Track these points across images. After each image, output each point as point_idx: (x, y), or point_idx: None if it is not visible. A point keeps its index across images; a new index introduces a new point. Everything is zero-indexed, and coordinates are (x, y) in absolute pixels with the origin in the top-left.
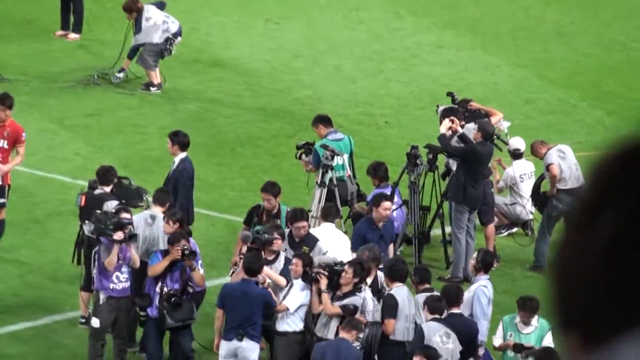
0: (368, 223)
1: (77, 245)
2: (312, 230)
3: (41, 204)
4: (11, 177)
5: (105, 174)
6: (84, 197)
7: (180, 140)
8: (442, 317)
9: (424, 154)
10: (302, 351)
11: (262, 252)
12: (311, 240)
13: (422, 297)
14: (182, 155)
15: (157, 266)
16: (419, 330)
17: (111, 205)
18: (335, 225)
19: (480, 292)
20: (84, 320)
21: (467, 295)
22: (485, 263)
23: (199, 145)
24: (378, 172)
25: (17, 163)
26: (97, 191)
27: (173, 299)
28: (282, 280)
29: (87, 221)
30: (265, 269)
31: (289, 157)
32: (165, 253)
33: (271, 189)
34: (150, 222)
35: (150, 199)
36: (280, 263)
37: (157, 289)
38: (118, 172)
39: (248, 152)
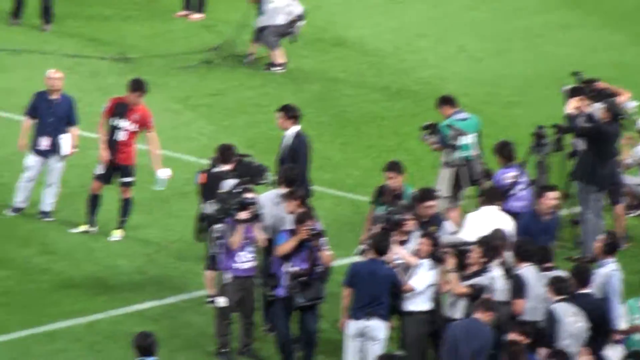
0: (531, 216)
1: (197, 223)
2: (474, 214)
3: (168, 182)
4: (136, 156)
5: (224, 152)
6: (203, 176)
7: (292, 114)
8: (570, 297)
9: (551, 134)
10: (431, 330)
11: (394, 233)
12: (438, 220)
13: (544, 276)
14: (296, 128)
15: (285, 246)
16: (551, 312)
17: (229, 183)
18: (498, 209)
19: (613, 276)
20: (210, 300)
21: (598, 279)
22: (612, 246)
23: (323, 124)
24: (504, 151)
25: (158, 150)
26: (215, 169)
27: (301, 278)
28: (414, 260)
29: (210, 201)
30: (398, 247)
31: (413, 137)
32: (291, 233)
33: (395, 167)
34: (277, 201)
35: (272, 177)
36: (412, 243)
37: (285, 269)
38: (242, 152)
39: (373, 131)
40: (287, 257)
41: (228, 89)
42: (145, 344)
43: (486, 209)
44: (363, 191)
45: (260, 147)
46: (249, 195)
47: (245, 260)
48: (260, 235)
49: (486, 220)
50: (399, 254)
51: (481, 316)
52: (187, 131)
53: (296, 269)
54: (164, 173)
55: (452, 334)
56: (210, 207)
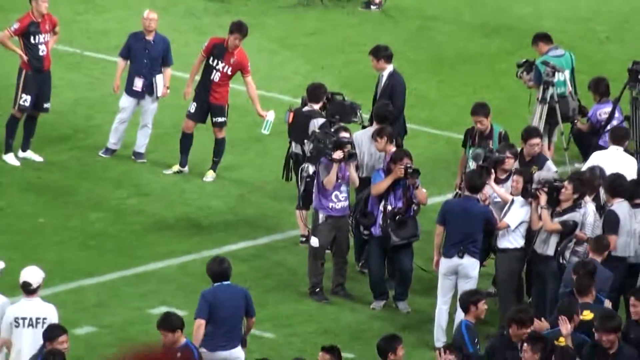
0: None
1: (286, 163)
2: (597, 154)
3: (261, 123)
4: (230, 96)
5: (314, 91)
6: (292, 114)
7: (383, 54)
8: None
9: None
10: (523, 267)
11: (494, 171)
12: (541, 159)
13: (638, 212)
14: (390, 68)
15: (381, 184)
16: None
17: (317, 122)
18: (623, 149)
19: None
20: (303, 239)
21: None
22: None
23: (420, 62)
24: (599, 87)
25: (255, 93)
26: (305, 108)
27: (397, 217)
28: (510, 198)
29: (299, 140)
30: (495, 185)
31: (509, 74)
32: (387, 171)
33: (481, 109)
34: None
35: (364, 115)
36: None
37: (381, 208)
38: (339, 91)
39: (469, 69)
40: (382, 196)
41: (325, 28)
42: (220, 270)
43: (612, 148)
44: (458, 129)
45: (356, 86)
46: (344, 134)
47: (339, 199)
48: (354, 175)
49: (609, 160)
50: (495, 191)
51: (598, 257)
52: (282, 71)
53: (391, 207)
54: (270, 115)
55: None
56: (297, 147)
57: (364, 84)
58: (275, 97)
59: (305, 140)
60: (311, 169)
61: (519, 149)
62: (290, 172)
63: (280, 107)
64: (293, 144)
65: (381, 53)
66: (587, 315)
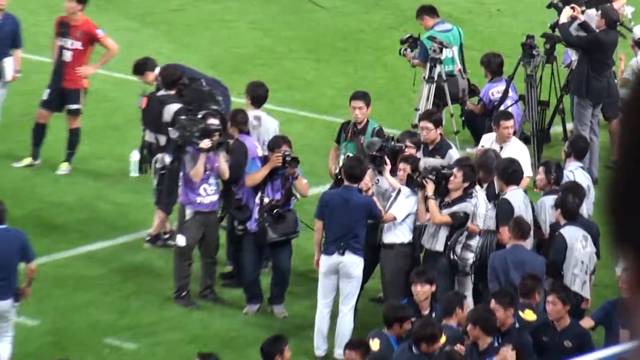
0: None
1: (140, 153)
2: (489, 136)
3: (121, 108)
4: (88, 80)
5: (167, 75)
6: (145, 99)
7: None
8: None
9: (541, 44)
10: (411, 264)
11: (393, 162)
12: (444, 147)
13: (549, 199)
14: None
15: (256, 174)
16: (559, 238)
17: (171, 109)
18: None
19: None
20: (152, 239)
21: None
22: (578, 149)
23: (296, 39)
24: (491, 64)
25: (110, 57)
26: (160, 92)
27: (275, 210)
28: (398, 185)
29: (171, 128)
30: (388, 176)
31: (392, 51)
32: (265, 160)
33: (362, 97)
34: (255, 124)
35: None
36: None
37: (257, 200)
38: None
39: (349, 46)
40: (258, 187)
41: (189, 4)
42: None
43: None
44: (339, 113)
45: (225, 67)
46: (212, 120)
47: (208, 193)
48: (224, 166)
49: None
50: (390, 184)
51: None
52: (144, 51)
53: (269, 199)
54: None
55: (500, 263)
56: (151, 135)
57: (232, 63)
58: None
59: (170, 129)
60: (167, 159)
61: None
62: (145, 163)
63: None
64: (147, 131)
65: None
66: (529, 315)
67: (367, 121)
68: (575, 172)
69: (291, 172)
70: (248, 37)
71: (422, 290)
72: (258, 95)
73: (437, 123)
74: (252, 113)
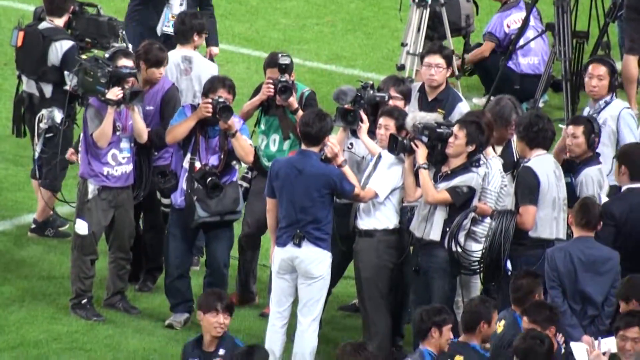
0: None
1: (16, 108)
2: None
3: None
4: None
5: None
6: (22, 34)
7: None
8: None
9: None
10: (397, 258)
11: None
12: (451, 96)
13: (593, 170)
14: None
15: (178, 127)
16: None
17: (62, 47)
18: None
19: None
20: (34, 227)
21: None
22: None
23: None
24: None
25: None
26: (43, 25)
27: (209, 179)
28: (377, 149)
29: (67, 72)
30: (364, 137)
31: None
32: (194, 108)
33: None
34: (184, 67)
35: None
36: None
37: (185, 164)
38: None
39: None
40: (187, 148)
41: None
42: None
43: None
44: (293, 49)
45: None
46: (124, 61)
47: (119, 162)
48: (140, 125)
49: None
50: (366, 146)
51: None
52: None
53: (201, 164)
54: None
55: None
56: (31, 84)
57: None
58: (12, 6)
59: (66, 73)
60: (57, 116)
61: (413, 85)
62: (23, 123)
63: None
64: (25, 79)
65: None
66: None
67: (292, 83)
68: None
69: (224, 127)
70: None
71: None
72: (188, 27)
73: (449, 60)
74: (179, 52)
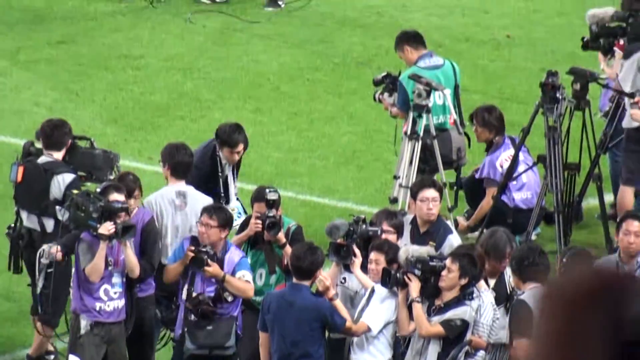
0: None
1: (13, 245)
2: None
3: None
4: None
5: (54, 133)
6: (21, 169)
7: None
8: None
9: (568, 85)
10: None
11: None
12: (442, 230)
13: None
14: None
15: (176, 269)
16: None
17: (63, 180)
18: None
19: None
20: (51, 358)
21: None
22: None
23: (226, 82)
24: (489, 120)
25: None
26: (42, 159)
27: (200, 308)
28: (370, 284)
29: (58, 208)
30: (357, 271)
31: (362, 96)
32: (193, 241)
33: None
34: (179, 202)
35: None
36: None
37: (183, 295)
38: (104, 129)
39: (299, 90)
40: (185, 277)
41: (79, 34)
42: None
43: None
44: (286, 184)
45: (130, 120)
46: (116, 196)
47: (111, 297)
48: (132, 259)
49: None
50: (360, 281)
51: None
52: (16, 102)
53: (196, 293)
54: None
55: None
56: (32, 219)
57: (139, 116)
58: (6, 141)
59: (58, 208)
60: (58, 252)
61: (405, 218)
62: (20, 259)
63: (9, 155)
64: (25, 214)
65: None
66: None
67: (279, 218)
68: None
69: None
70: (162, 79)
71: None
72: (180, 162)
73: (442, 193)
74: (173, 187)
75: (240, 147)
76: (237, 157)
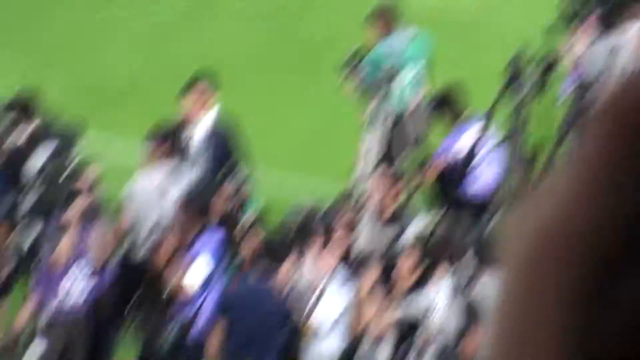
0: None
1: None
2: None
3: None
4: None
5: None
6: None
7: None
8: None
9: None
10: None
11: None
12: (404, 217)
13: None
14: None
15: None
16: None
17: (39, 159)
18: None
19: None
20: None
21: None
22: None
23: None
24: (446, 105)
25: None
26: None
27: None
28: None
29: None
30: (326, 258)
31: (324, 81)
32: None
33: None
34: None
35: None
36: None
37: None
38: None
39: (249, 69)
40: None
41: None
42: None
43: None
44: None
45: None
46: (89, 174)
47: (76, 286)
48: (104, 243)
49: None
50: (321, 268)
51: None
52: None
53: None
54: None
55: None
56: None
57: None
58: None
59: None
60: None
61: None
62: None
63: None
64: None
65: None
66: None
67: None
68: None
69: None
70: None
71: None
72: None
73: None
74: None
75: None
76: None
